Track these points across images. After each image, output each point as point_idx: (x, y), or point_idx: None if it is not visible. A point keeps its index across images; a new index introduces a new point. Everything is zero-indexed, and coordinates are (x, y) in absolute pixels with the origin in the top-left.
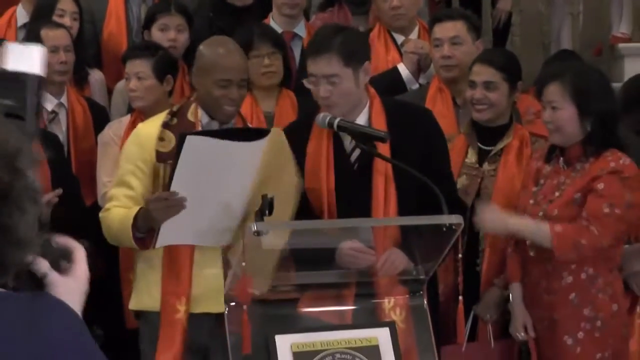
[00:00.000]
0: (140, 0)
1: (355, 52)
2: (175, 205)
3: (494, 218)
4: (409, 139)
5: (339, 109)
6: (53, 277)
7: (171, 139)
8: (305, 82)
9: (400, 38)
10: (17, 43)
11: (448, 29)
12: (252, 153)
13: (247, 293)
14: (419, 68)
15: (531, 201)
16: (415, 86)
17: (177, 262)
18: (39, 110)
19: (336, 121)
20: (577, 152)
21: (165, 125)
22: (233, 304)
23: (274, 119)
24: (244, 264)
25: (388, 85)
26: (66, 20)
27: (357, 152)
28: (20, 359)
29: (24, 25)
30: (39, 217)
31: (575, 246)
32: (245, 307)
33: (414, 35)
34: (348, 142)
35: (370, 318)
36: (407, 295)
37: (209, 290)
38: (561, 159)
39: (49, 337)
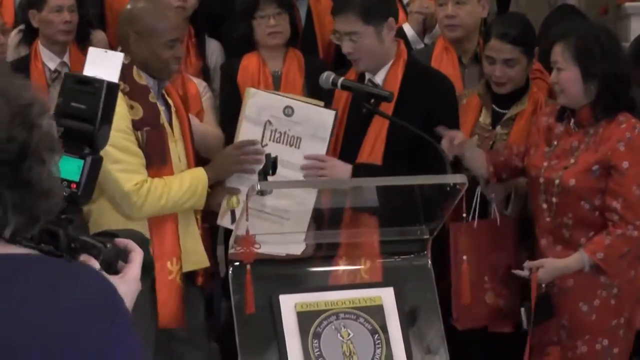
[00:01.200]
0: None
1: (375, 9)
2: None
3: (546, 271)
4: (417, 102)
5: (363, 63)
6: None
7: (137, 106)
8: (332, 37)
9: None
10: (99, 49)
11: None
12: (323, 118)
13: (250, 252)
14: (425, 28)
15: (545, 163)
16: (421, 46)
17: (162, 224)
18: (111, 116)
19: (340, 80)
20: (586, 115)
21: (126, 93)
22: (236, 263)
23: (281, 79)
24: (247, 222)
25: None
26: None
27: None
28: (48, 316)
29: None
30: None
31: (623, 257)
32: (248, 266)
33: None
34: None
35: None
36: (412, 255)
37: (197, 247)
38: (572, 119)
39: (74, 297)
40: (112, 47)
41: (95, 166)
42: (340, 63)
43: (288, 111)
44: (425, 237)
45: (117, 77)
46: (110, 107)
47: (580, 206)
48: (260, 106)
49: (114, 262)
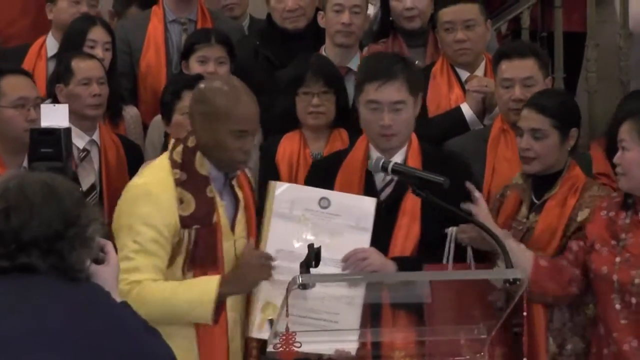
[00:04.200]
0: (180, 28)
1: (417, 80)
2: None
3: None
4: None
5: (397, 139)
6: (94, 269)
7: (189, 200)
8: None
9: (464, 74)
10: (48, 103)
11: (519, 69)
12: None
13: (290, 352)
14: (484, 108)
15: (617, 259)
16: (479, 127)
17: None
18: (70, 154)
19: (390, 165)
20: None
21: (179, 184)
22: None
23: None
24: (287, 319)
25: (450, 126)
26: (98, 51)
27: (387, 191)
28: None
29: (54, 55)
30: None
31: None
32: None
33: (480, 71)
34: (379, 181)
35: None
36: (468, 357)
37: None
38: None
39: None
40: (145, 124)
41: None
42: None
43: (324, 203)
44: (483, 336)
45: (67, 122)
46: (69, 145)
47: None
48: (292, 200)
49: (97, 254)
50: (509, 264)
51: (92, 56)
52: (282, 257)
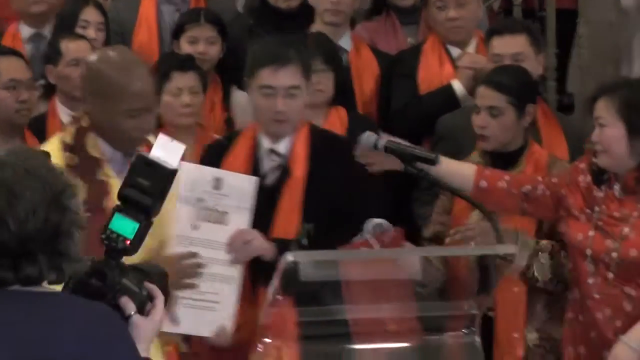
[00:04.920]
0: (173, 8)
1: (309, 64)
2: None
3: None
4: (327, 171)
5: (290, 124)
6: (136, 319)
7: (80, 186)
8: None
9: (455, 51)
10: (166, 137)
11: (510, 45)
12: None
13: (282, 328)
14: (476, 84)
15: (591, 232)
16: (471, 104)
17: None
18: (166, 195)
19: (382, 142)
20: (634, 181)
21: (69, 168)
22: (266, 340)
23: None
24: (279, 297)
25: (441, 103)
26: (90, 32)
27: (271, 177)
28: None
29: (32, 37)
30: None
31: None
32: (279, 344)
33: (471, 48)
34: (265, 167)
35: (420, 356)
36: (460, 332)
37: None
38: (616, 184)
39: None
40: None
41: (146, 230)
42: (384, 120)
43: (216, 183)
44: (474, 312)
45: (178, 163)
46: (168, 188)
47: None
48: (192, 181)
49: (145, 305)
50: (500, 239)
51: (81, 36)
52: (181, 243)
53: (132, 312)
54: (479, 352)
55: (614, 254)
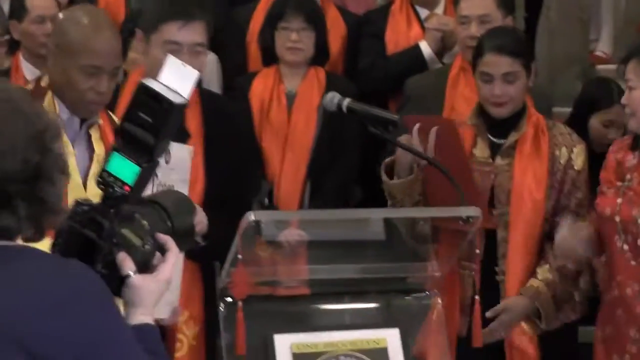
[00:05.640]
0: None
1: (211, 23)
2: None
3: None
4: (221, 135)
5: None
6: (135, 280)
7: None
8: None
9: (424, 12)
10: (178, 61)
11: (476, 6)
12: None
13: (243, 288)
14: (443, 46)
15: (619, 200)
16: (438, 66)
17: None
18: (173, 132)
19: (345, 102)
20: None
21: None
22: (228, 299)
23: (295, 99)
24: (240, 256)
25: (408, 64)
26: None
27: None
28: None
29: None
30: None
31: None
32: (240, 303)
33: (439, 9)
34: None
35: (381, 317)
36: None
37: None
38: None
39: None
40: None
41: (148, 173)
42: (351, 77)
43: (167, 157)
44: (437, 274)
45: (189, 93)
46: (174, 124)
47: None
48: None
49: (150, 261)
50: (462, 202)
51: None
52: None
53: (131, 272)
54: (441, 314)
55: (639, 220)
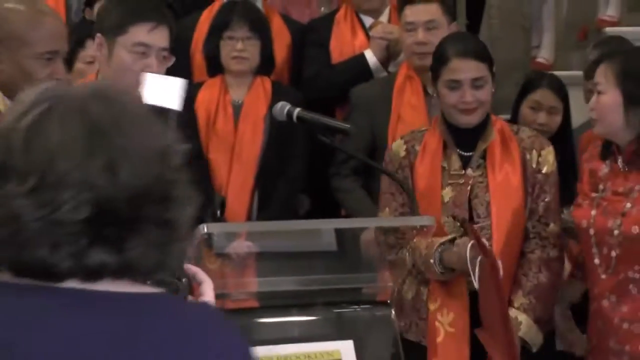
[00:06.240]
0: None
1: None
2: None
3: None
4: None
5: None
6: None
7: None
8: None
9: (368, 20)
10: (157, 75)
11: (422, 12)
12: None
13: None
14: (388, 55)
15: (593, 212)
16: (384, 74)
17: None
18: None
19: (295, 112)
20: (635, 152)
21: None
22: None
23: (241, 109)
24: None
25: (354, 72)
26: None
27: None
28: None
29: None
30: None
31: None
32: None
33: (384, 17)
34: None
35: (334, 329)
36: (374, 305)
37: None
38: (619, 157)
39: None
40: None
41: None
42: (296, 86)
43: None
44: (389, 284)
45: (180, 103)
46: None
47: None
48: None
49: (187, 295)
50: (416, 211)
51: None
52: None
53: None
54: (393, 325)
55: (616, 232)
